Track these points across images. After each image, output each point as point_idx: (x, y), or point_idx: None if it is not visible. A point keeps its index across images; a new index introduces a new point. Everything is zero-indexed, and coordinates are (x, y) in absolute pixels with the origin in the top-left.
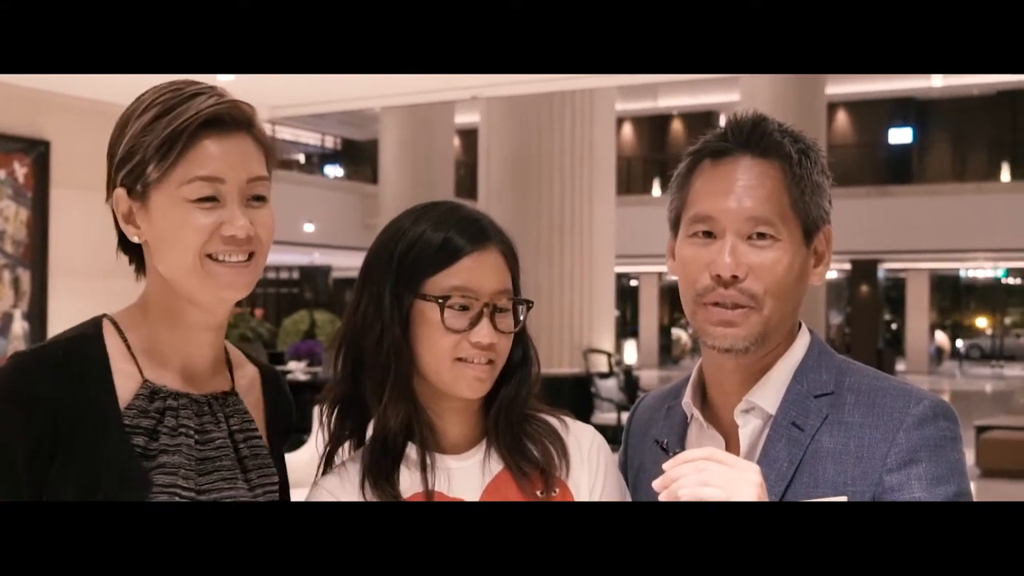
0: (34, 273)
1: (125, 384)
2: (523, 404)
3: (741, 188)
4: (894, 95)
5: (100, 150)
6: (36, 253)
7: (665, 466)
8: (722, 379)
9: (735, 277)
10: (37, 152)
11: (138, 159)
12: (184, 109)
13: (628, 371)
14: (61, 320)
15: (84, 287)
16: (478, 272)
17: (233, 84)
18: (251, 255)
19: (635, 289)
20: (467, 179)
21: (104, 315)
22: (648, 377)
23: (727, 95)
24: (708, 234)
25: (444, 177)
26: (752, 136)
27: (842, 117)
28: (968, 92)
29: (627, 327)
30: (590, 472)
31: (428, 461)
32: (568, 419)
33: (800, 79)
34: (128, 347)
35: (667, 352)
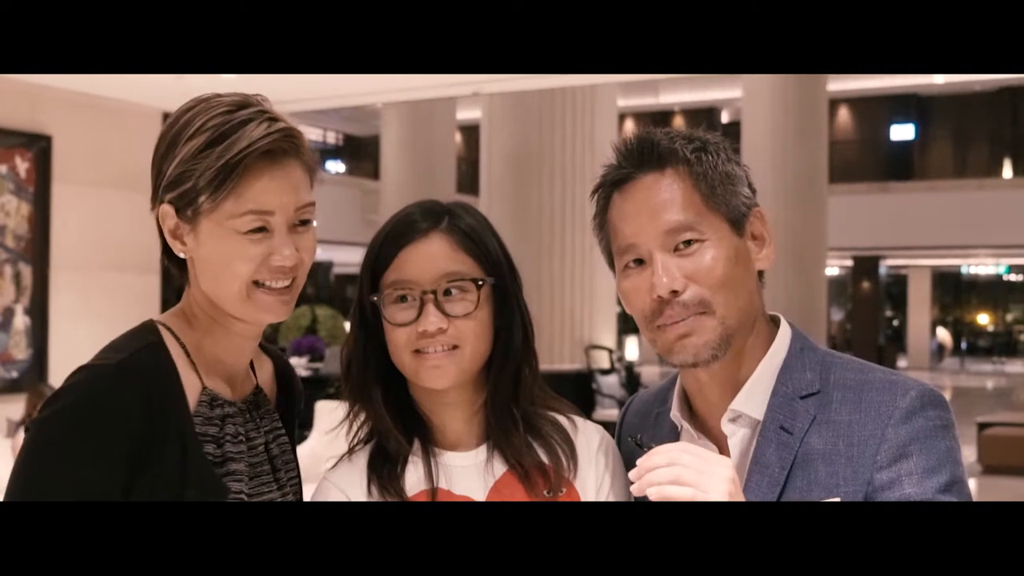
0: (35, 268)
1: (190, 390)
2: (514, 402)
3: (652, 206)
4: (896, 91)
5: (101, 145)
6: (37, 248)
7: (639, 460)
8: (703, 390)
9: (675, 292)
10: (39, 147)
11: (189, 186)
12: (237, 138)
13: (630, 367)
14: (62, 315)
15: (85, 282)
16: (413, 263)
17: (235, 80)
18: (294, 279)
19: None
20: (468, 175)
21: (155, 321)
22: (649, 373)
23: (729, 91)
24: (639, 262)
25: (446, 173)
26: (642, 154)
27: (844, 113)
28: (970, 88)
29: (629, 323)
30: (597, 472)
31: (429, 457)
32: (578, 419)
33: (801, 75)
34: (188, 355)
35: None
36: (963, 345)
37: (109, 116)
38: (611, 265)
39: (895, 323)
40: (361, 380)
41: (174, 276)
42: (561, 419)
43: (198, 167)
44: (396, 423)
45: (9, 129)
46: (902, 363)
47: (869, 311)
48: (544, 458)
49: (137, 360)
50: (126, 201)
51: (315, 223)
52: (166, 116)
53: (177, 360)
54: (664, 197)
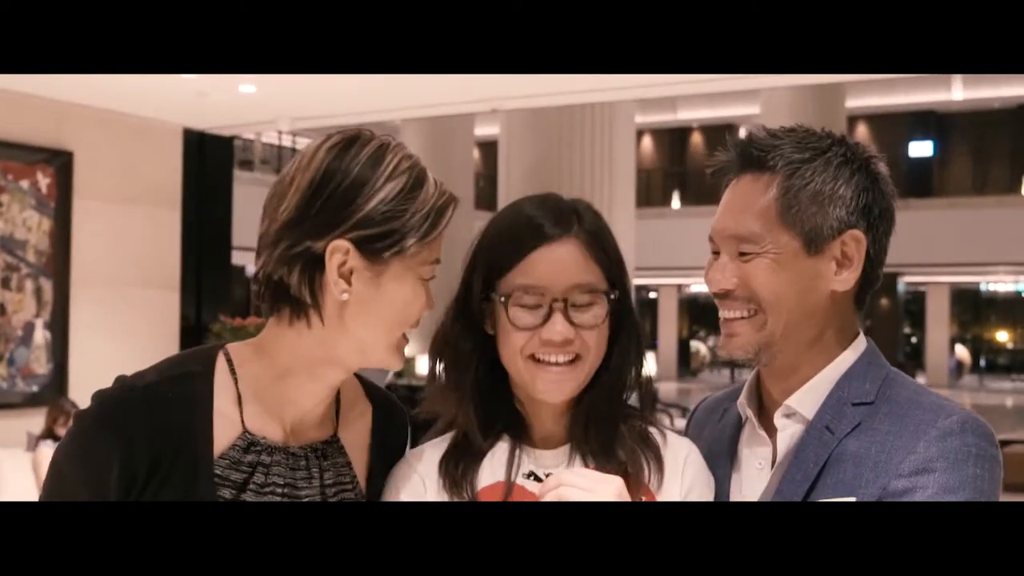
0: (56, 283)
1: (225, 429)
2: (610, 408)
3: (732, 208)
4: (914, 108)
5: (123, 161)
6: (58, 263)
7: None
8: (768, 385)
9: (728, 290)
10: (60, 162)
11: (396, 227)
12: (429, 185)
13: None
14: (82, 330)
15: (105, 297)
16: (543, 268)
17: (257, 95)
18: None
19: (654, 301)
20: (487, 191)
21: (221, 348)
22: (667, 389)
23: (747, 108)
24: (716, 253)
25: (464, 189)
26: (747, 154)
27: (862, 130)
28: (989, 105)
29: (645, 340)
30: (681, 486)
31: (515, 452)
32: (668, 431)
33: (820, 91)
34: (237, 390)
35: (686, 364)
36: (982, 363)
37: (130, 132)
38: None
39: (913, 340)
40: (457, 377)
41: (192, 292)
42: (651, 430)
43: (407, 208)
44: (484, 424)
45: (31, 145)
46: (920, 380)
47: (887, 328)
48: (627, 464)
49: (159, 388)
50: (147, 217)
51: None
52: (187, 132)
53: (219, 396)
54: (744, 202)
